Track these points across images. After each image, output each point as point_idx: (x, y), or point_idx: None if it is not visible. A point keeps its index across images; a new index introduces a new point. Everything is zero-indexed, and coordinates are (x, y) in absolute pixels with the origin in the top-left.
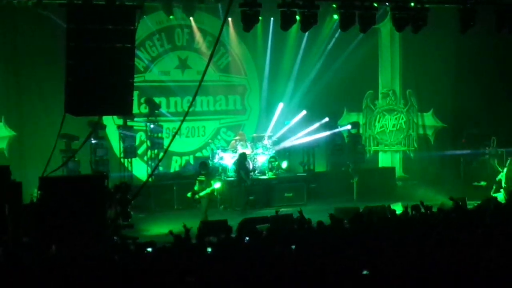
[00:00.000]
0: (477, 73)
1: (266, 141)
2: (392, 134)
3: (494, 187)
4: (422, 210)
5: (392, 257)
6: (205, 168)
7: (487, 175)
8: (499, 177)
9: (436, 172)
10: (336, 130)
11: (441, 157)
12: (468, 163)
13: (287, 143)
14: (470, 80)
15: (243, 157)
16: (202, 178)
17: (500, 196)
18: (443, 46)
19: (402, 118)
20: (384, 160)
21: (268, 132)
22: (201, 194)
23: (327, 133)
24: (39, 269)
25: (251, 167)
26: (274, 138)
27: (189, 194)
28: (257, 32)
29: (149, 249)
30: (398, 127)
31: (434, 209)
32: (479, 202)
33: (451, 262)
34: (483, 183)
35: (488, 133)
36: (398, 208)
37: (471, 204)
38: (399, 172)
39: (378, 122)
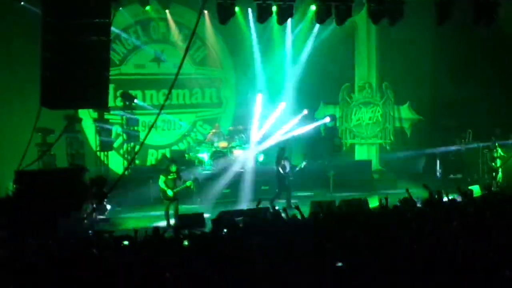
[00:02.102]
0: (453, 66)
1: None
2: (369, 127)
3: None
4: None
5: (366, 250)
6: (174, 165)
7: (463, 167)
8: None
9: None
10: (316, 123)
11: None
12: (444, 156)
13: (270, 141)
14: (447, 73)
15: (280, 151)
16: (173, 176)
17: (476, 189)
18: (420, 39)
19: (378, 111)
20: (360, 153)
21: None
22: (176, 190)
23: (308, 127)
24: (14, 263)
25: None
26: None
27: (171, 194)
28: (233, 24)
29: (126, 242)
30: (374, 120)
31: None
32: (455, 196)
33: (426, 254)
34: (459, 175)
35: (464, 125)
36: (374, 201)
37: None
38: (375, 165)
39: (355, 115)
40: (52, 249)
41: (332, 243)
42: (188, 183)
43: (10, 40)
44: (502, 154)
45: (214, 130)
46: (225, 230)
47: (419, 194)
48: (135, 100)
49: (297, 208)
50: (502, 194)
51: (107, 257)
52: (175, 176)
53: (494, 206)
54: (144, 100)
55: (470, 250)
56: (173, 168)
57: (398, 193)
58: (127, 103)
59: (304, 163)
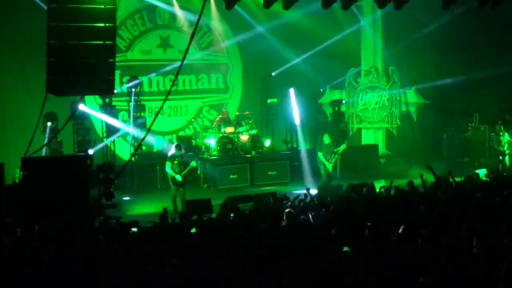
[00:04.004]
0: (459, 50)
1: None
2: (375, 112)
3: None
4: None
5: (374, 234)
6: (179, 150)
7: (470, 151)
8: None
9: (419, 149)
10: None
11: (423, 134)
12: (450, 140)
13: None
14: (452, 57)
15: (321, 137)
16: (179, 160)
17: (483, 173)
18: (426, 23)
19: (385, 96)
20: (367, 138)
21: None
22: (183, 173)
23: None
24: (22, 249)
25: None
26: None
27: (180, 178)
28: (239, 9)
29: (135, 229)
30: (381, 104)
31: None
32: (462, 179)
33: (433, 239)
34: (466, 159)
35: (470, 109)
36: (381, 186)
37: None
38: (382, 149)
39: (361, 99)
40: (59, 236)
41: (339, 227)
42: (193, 164)
43: (16, 26)
44: (509, 138)
45: (221, 116)
46: (231, 215)
47: (426, 177)
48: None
49: (307, 190)
50: (510, 178)
51: (113, 243)
52: (181, 160)
53: (502, 191)
54: (150, 86)
55: (476, 235)
56: (178, 152)
57: (404, 177)
58: (133, 89)
59: (344, 146)
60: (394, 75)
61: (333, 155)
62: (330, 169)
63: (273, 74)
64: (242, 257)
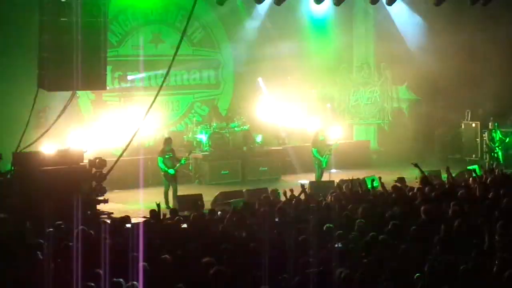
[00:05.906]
0: (450, 45)
1: None
2: (367, 107)
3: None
4: None
5: (365, 231)
6: (169, 144)
7: (461, 147)
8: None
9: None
10: None
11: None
12: (442, 136)
13: None
14: (444, 53)
15: (315, 134)
16: (170, 155)
17: (477, 168)
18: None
19: (377, 92)
20: (359, 133)
21: None
22: (176, 168)
23: None
24: (14, 244)
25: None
26: None
27: (173, 172)
28: (231, 5)
29: (129, 225)
30: (372, 100)
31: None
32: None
33: (423, 235)
34: (457, 155)
35: (462, 106)
36: (373, 181)
37: (445, 177)
38: (373, 145)
39: (353, 95)
40: (51, 231)
41: (333, 224)
42: (183, 160)
43: (7, 20)
44: (500, 134)
45: (212, 111)
46: (219, 212)
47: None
48: (128, 77)
49: (302, 187)
50: (503, 174)
51: (105, 239)
52: (172, 154)
53: (496, 186)
54: (142, 81)
55: (468, 231)
56: (168, 147)
57: (396, 173)
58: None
59: (338, 144)
60: (385, 71)
61: (326, 151)
62: (324, 165)
63: (259, 79)
64: (233, 252)
